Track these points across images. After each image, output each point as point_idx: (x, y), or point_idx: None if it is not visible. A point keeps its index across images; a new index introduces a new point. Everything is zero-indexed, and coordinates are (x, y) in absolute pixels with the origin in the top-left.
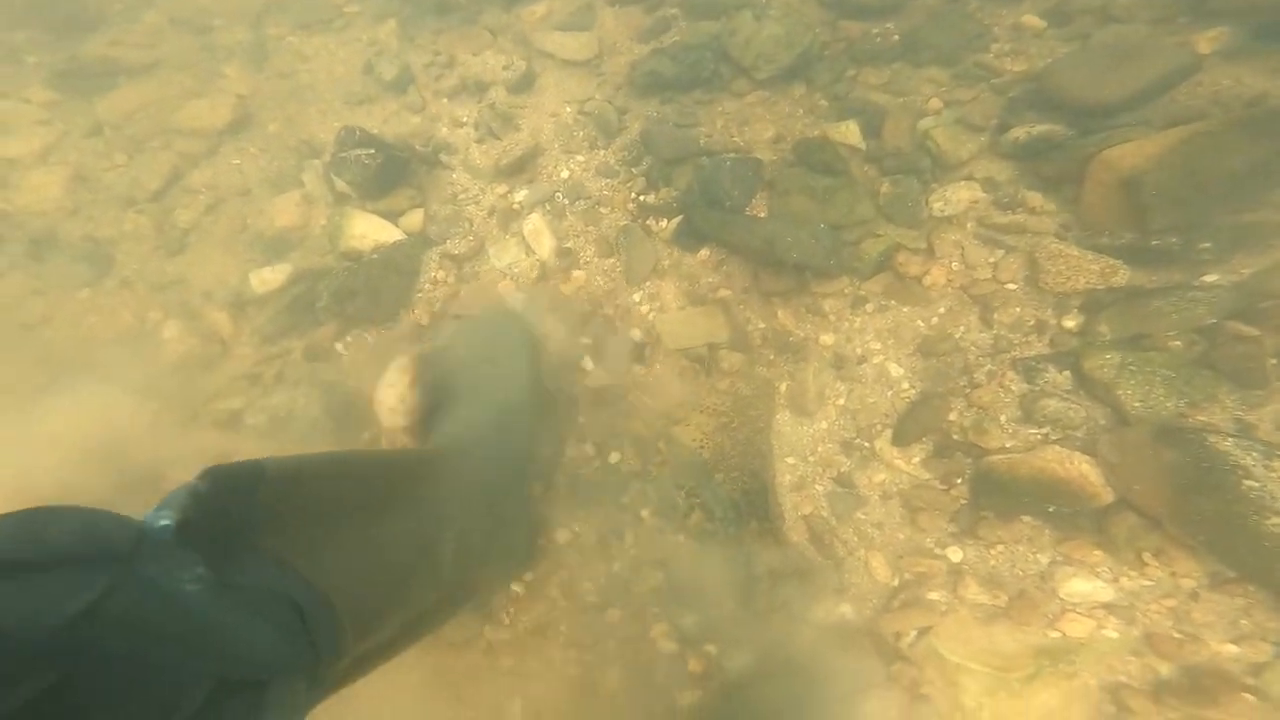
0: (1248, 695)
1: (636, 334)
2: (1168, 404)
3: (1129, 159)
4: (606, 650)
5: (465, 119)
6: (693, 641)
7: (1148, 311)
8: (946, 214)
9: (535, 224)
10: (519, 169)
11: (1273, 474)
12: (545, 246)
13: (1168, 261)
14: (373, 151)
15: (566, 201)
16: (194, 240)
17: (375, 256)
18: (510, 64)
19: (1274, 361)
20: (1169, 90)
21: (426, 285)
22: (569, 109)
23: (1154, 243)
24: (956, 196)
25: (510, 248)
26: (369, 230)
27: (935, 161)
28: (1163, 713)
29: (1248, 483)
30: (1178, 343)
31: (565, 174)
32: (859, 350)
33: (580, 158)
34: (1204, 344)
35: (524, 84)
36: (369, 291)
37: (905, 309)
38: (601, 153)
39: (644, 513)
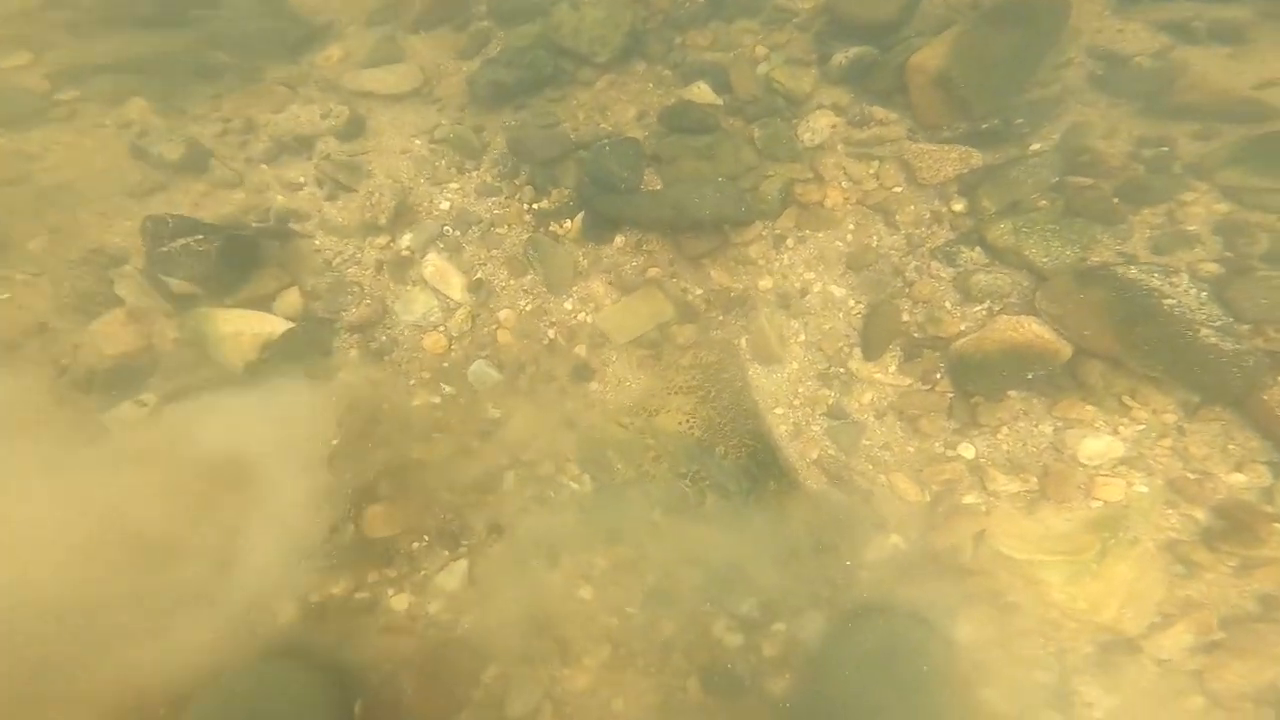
0: (1277, 524)
1: (581, 350)
2: (1067, 252)
3: (931, 61)
4: (676, 665)
5: (301, 179)
6: (758, 626)
7: (1009, 181)
8: (817, 142)
9: (435, 265)
10: (393, 215)
11: (1179, 288)
12: (456, 286)
13: (1001, 139)
14: (201, 237)
15: (458, 233)
16: None
17: (267, 357)
18: (328, 111)
19: (1117, 200)
20: (919, 4)
21: (338, 362)
22: (419, 141)
23: (984, 126)
24: (818, 125)
25: (418, 298)
26: (242, 326)
27: (787, 100)
28: (1221, 561)
29: (1167, 302)
30: (1044, 202)
31: (445, 205)
32: (797, 284)
33: (454, 185)
34: (1061, 199)
35: (354, 129)
36: None
37: (820, 234)
38: (474, 174)
39: (655, 515)
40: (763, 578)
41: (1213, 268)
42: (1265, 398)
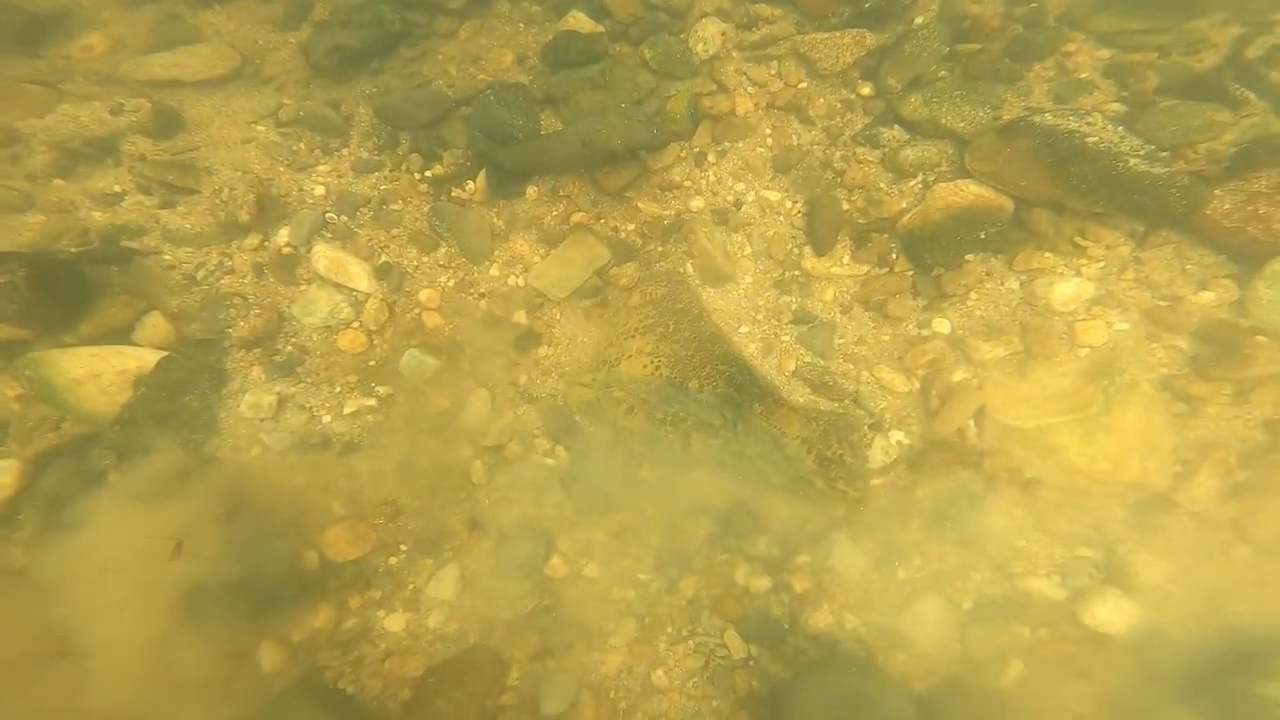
0: (1259, 337)
1: (521, 317)
2: (979, 114)
3: None
4: (709, 624)
5: (118, 189)
6: (780, 564)
7: (906, 57)
8: (711, 52)
9: (327, 256)
10: (256, 210)
11: (1095, 125)
12: (359, 275)
13: (885, 17)
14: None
15: (345, 218)
16: None
17: (144, 392)
18: (119, 107)
19: (1008, 60)
20: None
21: (239, 384)
22: (262, 127)
23: (866, 6)
24: (708, 34)
25: (318, 297)
26: (97, 366)
27: (669, 13)
28: (1217, 390)
29: (1090, 140)
30: (943, 72)
31: (319, 190)
32: (730, 198)
33: (323, 168)
34: (959, 65)
35: (168, 124)
36: (172, 430)
37: (740, 144)
38: (344, 152)
39: (644, 472)
40: (772, 511)
41: (1116, 107)
42: (1208, 212)
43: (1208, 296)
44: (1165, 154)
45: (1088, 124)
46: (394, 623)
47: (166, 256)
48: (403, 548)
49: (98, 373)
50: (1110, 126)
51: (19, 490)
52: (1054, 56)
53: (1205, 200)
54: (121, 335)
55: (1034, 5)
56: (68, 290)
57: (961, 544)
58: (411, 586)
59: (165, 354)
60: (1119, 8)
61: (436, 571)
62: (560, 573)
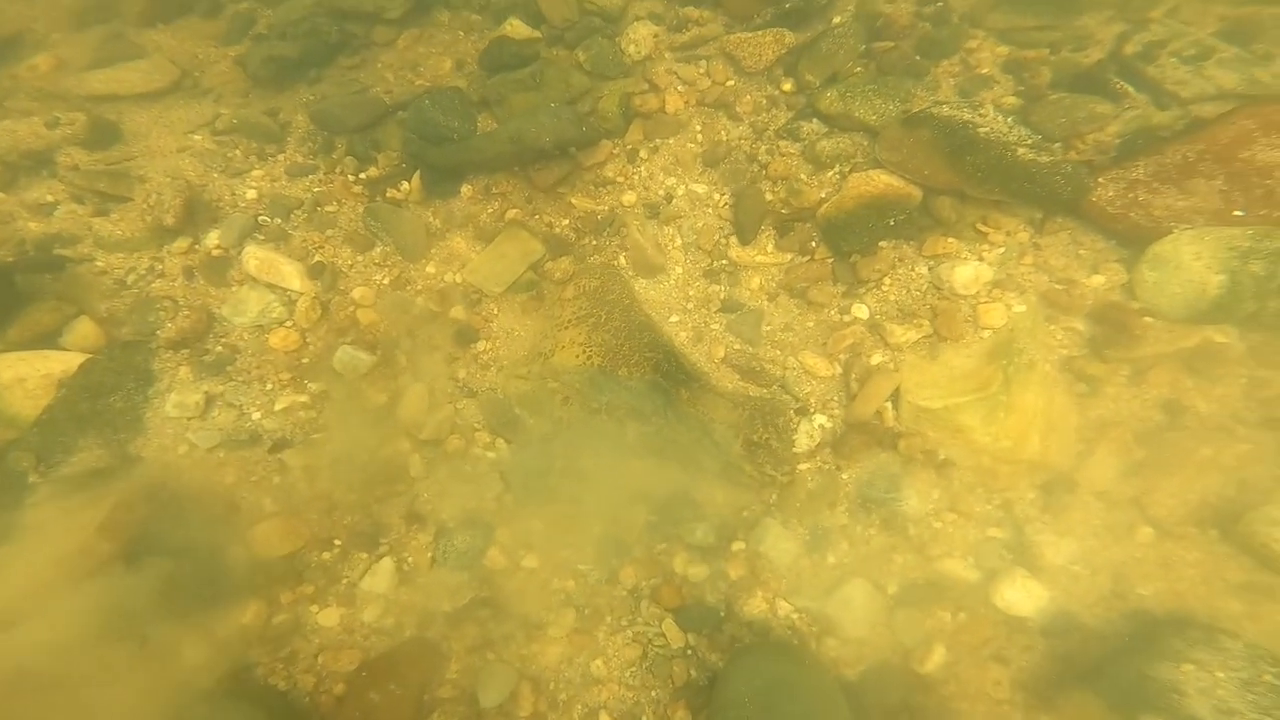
0: (1147, 319)
1: (459, 312)
2: (889, 108)
3: None
4: (647, 613)
5: (50, 198)
6: (717, 551)
7: (823, 55)
8: (643, 54)
9: (258, 257)
10: (183, 214)
11: (986, 116)
12: (291, 275)
13: (805, 17)
14: None
15: (279, 220)
16: None
17: (65, 394)
18: (55, 120)
19: (918, 57)
20: None
21: (166, 384)
22: (198, 137)
23: (787, 6)
24: (639, 36)
25: (248, 297)
26: (24, 370)
27: (603, 18)
28: (1114, 370)
29: (982, 130)
30: (859, 69)
31: (252, 194)
32: (661, 192)
33: (257, 173)
34: (873, 62)
35: (104, 136)
36: (94, 430)
37: (671, 140)
38: (280, 157)
39: (582, 462)
40: (709, 499)
41: (1013, 100)
42: (1094, 199)
43: (1099, 280)
44: (1056, 144)
45: (980, 115)
46: (327, 618)
47: (98, 263)
48: (337, 542)
49: (22, 377)
50: (1000, 117)
51: None
52: (959, 53)
53: (1089, 187)
54: (49, 340)
55: (940, 4)
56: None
57: (884, 526)
58: (346, 580)
59: (89, 356)
60: (1013, 6)
61: (372, 565)
62: (499, 564)
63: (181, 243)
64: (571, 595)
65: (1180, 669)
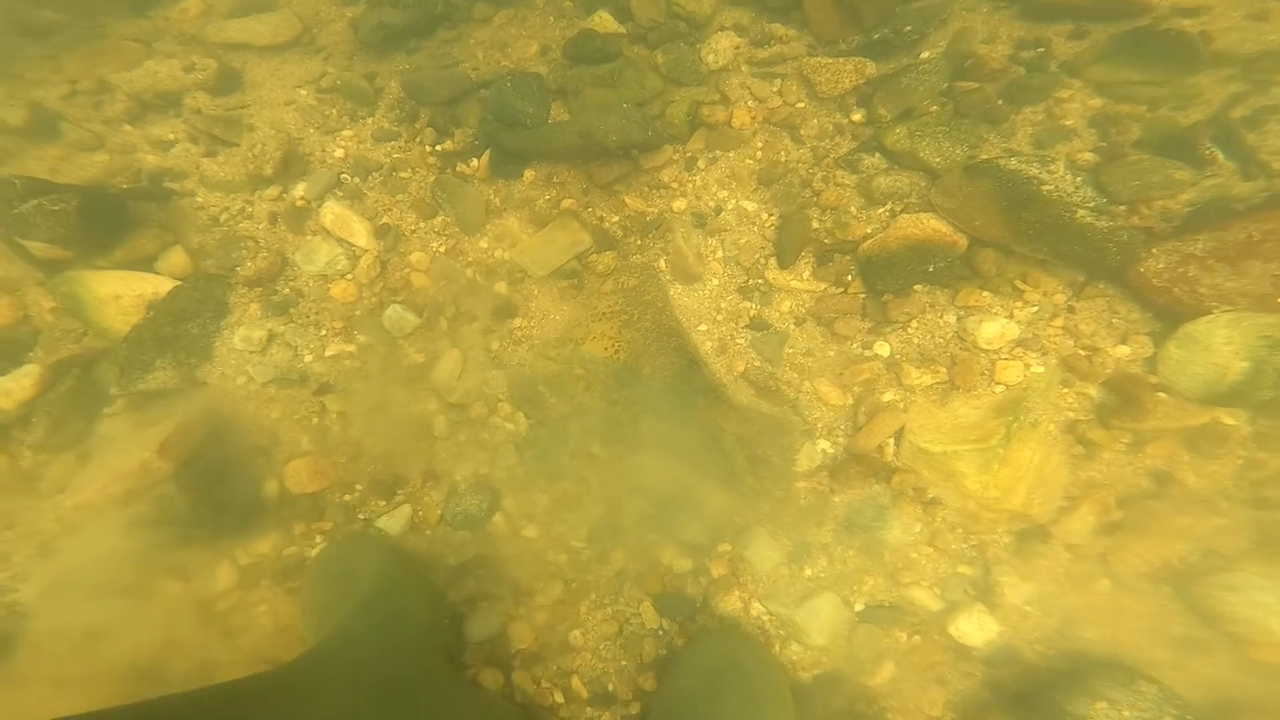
0: (1161, 394)
1: (502, 288)
2: (956, 152)
3: None
4: (629, 595)
5: (172, 136)
6: (704, 549)
7: (901, 89)
8: (721, 64)
9: (335, 212)
10: (280, 165)
11: (1055, 174)
12: (360, 233)
13: (892, 49)
14: (55, 196)
15: (357, 180)
16: None
17: (153, 315)
18: (192, 65)
19: (1001, 101)
20: None
21: (237, 318)
22: (304, 92)
23: (875, 36)
24: (720, 46)
25: (319, 247)
26: (120, 289)
27: (688, 23)
28: (1114, 439)
29: (1045, 187)
30: (935, 107)
31: (340, 153)
32: (711, 203)
33: (347, 133)
34: (951, 103)
35: (228, 84)
36: (170, 352)
37: (731, 154)
38: (369, 120)
39: (594, 447)
40: (707, 500)
41: (1089, 157)
42: (1141, 270)
43: (1124, 351)
44: (1122, 207)
45: (1048, 171)
46: None
47: (199, 199)
48: (358, 487)
49: (119, 294)
50: (1069, 176)
51: (36, 395)
52: (1046, 101)
53: (1139, 257)
54: (146, 264)
55: (1040, 50)
56: (110, 221)
57: (863, 550)
58: (363, 518)
59: (178, 283)
60: (1123, 58)
61: (390, 511)
62: (501, 530)
63: (272, 190)
64: (562, 569)
65: (1093, 705)
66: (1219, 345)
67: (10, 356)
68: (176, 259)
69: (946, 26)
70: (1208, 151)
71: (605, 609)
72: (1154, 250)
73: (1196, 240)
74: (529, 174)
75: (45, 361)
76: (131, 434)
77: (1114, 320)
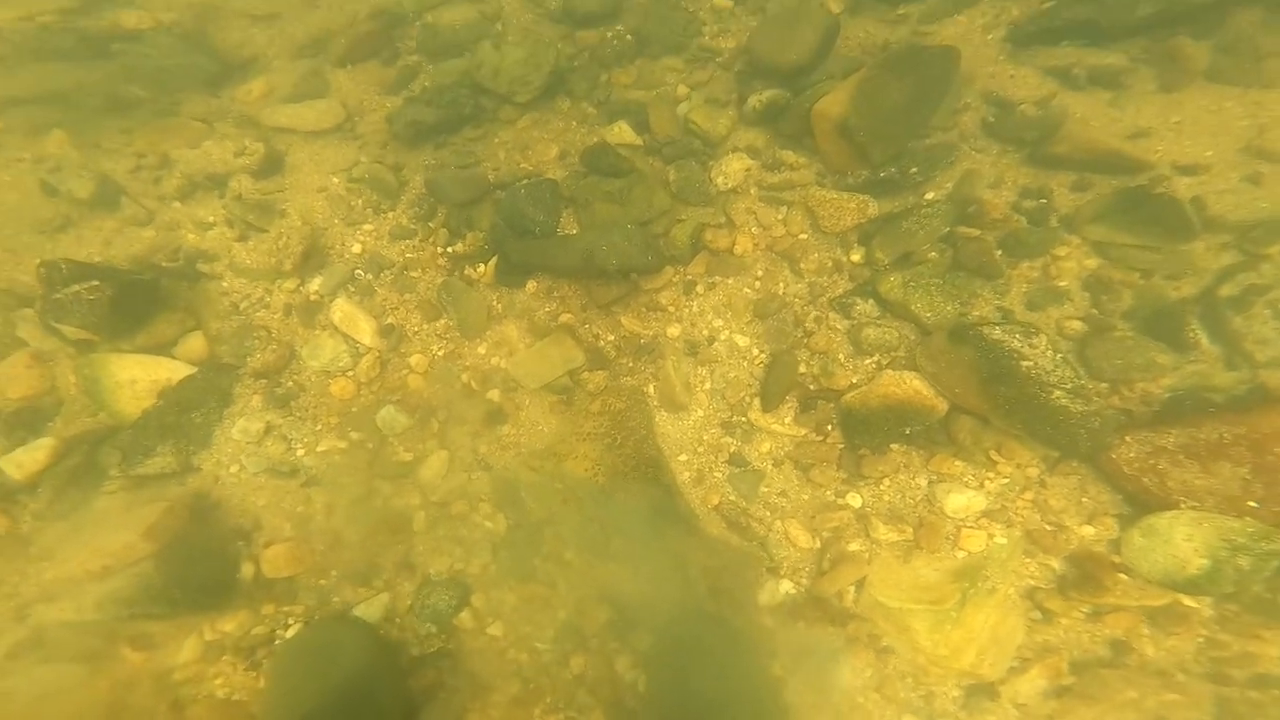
0: (1121, 575)
1: (495, 395)
2: (948, 308)
3: (833, 108)
4: (582, 701)
5: (212, 219)
6: (655, 662)
7: (901, 232)
8: (730, 186)
9: (344, 310)
10: (300, 259)
11: (1037, 350)
12: (365, 331)
13: (897, 188)
14: (95, 284)
15: (370, 276)
16: None
17: (161, 404)
18: (243, 149)
19: (999, 253)
20: (831, 46)
21: (239, 408)
22: (336, 179)
23: (881, 175)
24: (731, 169)
25: (325, 344)
26: (137, 373)
27: (703, 141)
28: (1072, 608)
29: (1024, 364)
30: (933, 254)
31: (357, 248)
32: (705, 332)
33: (368, 227)
34: (950, 250)
35: (271, 166)
36: (172, 439)
37: (730, 280)
38: (389, 215)
39: (567, 554)
40: (665, 616)
41: (1078, 325)
42: (1114, 455)
43: (1089, 531)
44: (1104, 385)
45: (1030, 346)
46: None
47: (225, 283)
48: (333, 573)
49: (135, 379)
50: (1050, 352)
51: (47, 467)
52: (1044, 257)
53: (1109, 447)
54: (166, 348)
55: (1043, 202)
56: (140, 305)
57: (811, 689)
58: (337, 602)
59: (191, 371)
60: (1119, 219)
61: (369, 599)
62: (468, 625)
63: (291, 282)
64: (523, 667)
65: None
66: (1180, 541)
67: (32, 426)
68: (194, 344)
69: (954, 167)
70: (1192, 334)
71: (559, 714)
72: (1127, 438)
73: (1170, 433)
74: (531, 285)
75: (61, 434)
76: (123, 513)
77: (1084, 499)
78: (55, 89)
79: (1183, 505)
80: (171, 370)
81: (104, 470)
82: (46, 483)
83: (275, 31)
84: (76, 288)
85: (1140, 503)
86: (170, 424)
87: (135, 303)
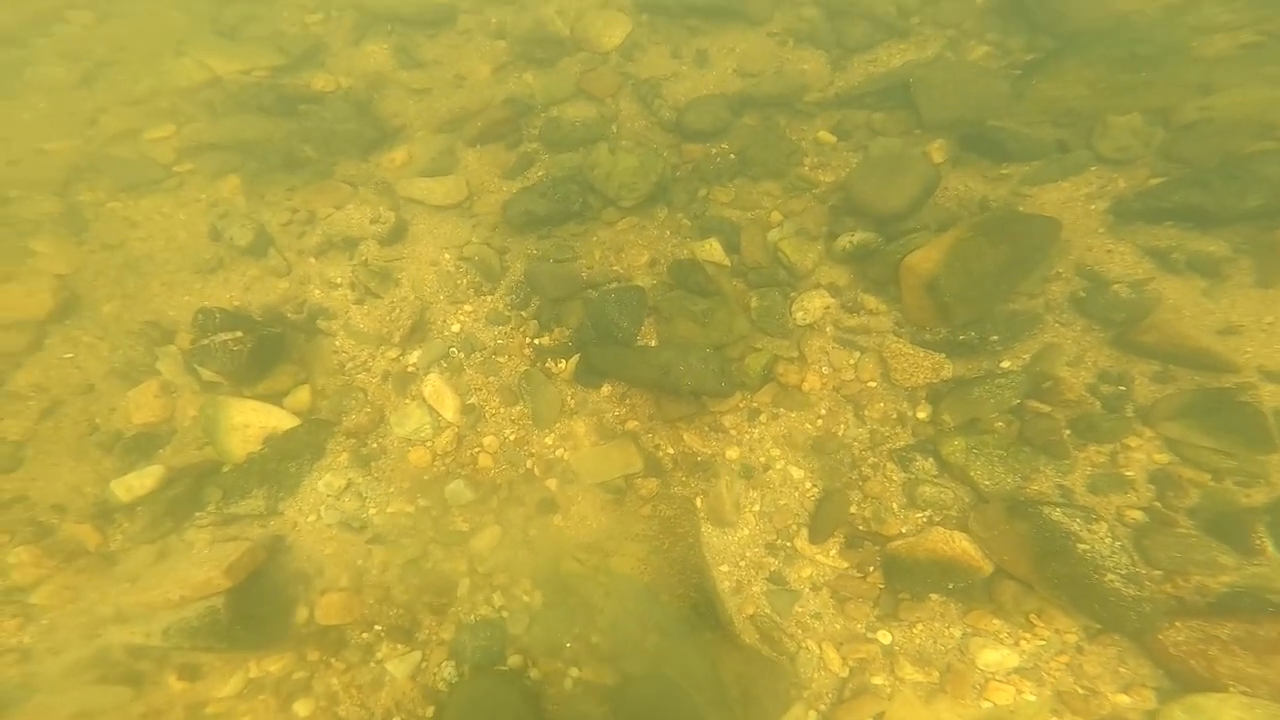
0: None
1: (552, 484)
2: (1008, 480)
3: (924, 265)
4: None
5: (339, 279)
6: None
7: (972, 399)
8: (807, 322)
9: (435, 385)
10: (409, 331)
11: (1095, 535)
12: (449, 407)
13: (974, 352)
14: (240, 335)
15: (462, 355)
16: (31, 453)
17: (266, 450)
18: (378, 216)
19: (1068, 432)
20: (929, 196)
21: (328, 463)
22: (448, 255)
23: (960, 337)
24: (812, 305)
25: (412, 413)
26: (251, 419)
27: (789, 272)
28: None
29: (1081, 546)
30: (1000, 424)
31: (456, 327)
32: (762, 459)
33: (468, 307)
34: (1018, 422)
35: (396, 235)
36: (268, 485)
37: (793, 414)
38: (489, 298)
39: (596, 639)
40: (689, 714)
41: (1138, 515)
42: (1161, 638)
43: (1124, 699)
44: (1157, 573)
45: (1089, 530)
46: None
47: (337, 342)
48: (377, 627)
49: (248, 424)
50: (1109, 539)
51: (153, 491)
52: (1113, 445)
53: (1157, 630)
54: (279, 398)
55: (1122, 389)
56: (269, 355)
57: None
58: (380, 656)
59: (296, 423)
60: (1198, 419)
61: (403, 655)
62: None
63: (394, 351)
64: None
65: None
66: None
67: (146, 452)
68: (302, 397)
69: (1035, 338)
70: (1259, 540)
71: None
72: (1177, 623)
73: (1225, 625)
74: (606, 388)
75: (169, 463)
76: (209, 547)
77: (1121, 669)
78: (245, 139)
79: (1231, 689)
80: (280, 419)
81: (202, 504)
82: (146, 507)
83: (424, 105)
84: (224, 337)
85: (1182, 679)
86: (270, 470)
87: (266, 355)
